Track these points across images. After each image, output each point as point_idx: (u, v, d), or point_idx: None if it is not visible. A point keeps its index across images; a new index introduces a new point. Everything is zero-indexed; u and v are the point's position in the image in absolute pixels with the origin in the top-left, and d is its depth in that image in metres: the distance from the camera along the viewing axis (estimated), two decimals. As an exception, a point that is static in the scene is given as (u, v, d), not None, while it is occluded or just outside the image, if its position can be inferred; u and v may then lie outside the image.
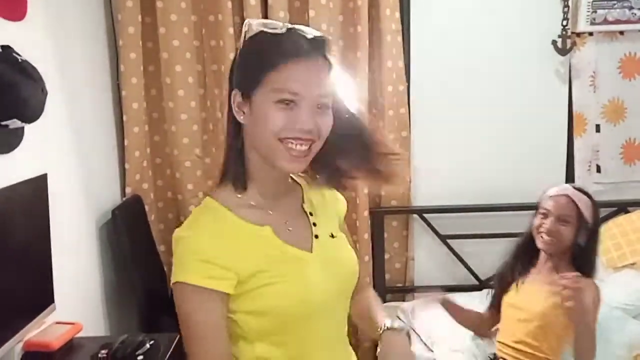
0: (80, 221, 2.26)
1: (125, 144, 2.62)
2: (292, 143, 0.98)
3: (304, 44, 0.99)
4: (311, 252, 1.06)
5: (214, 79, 2.70)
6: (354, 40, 2.66)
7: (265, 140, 0.99)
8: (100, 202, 2.44)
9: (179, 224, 2.75)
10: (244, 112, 1.01)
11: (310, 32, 1.01)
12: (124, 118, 2.61)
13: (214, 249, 0.97)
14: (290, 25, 1.02)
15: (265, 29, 1.01)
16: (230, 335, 1.00)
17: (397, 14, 2.66)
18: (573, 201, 1.86)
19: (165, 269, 2.78)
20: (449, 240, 2.87)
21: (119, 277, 2.52)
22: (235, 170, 1.05)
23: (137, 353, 1.64)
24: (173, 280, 0.97)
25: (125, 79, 2.57)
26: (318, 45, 1.01)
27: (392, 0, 2.63)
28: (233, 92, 1.03)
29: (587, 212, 1.86)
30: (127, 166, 2.63)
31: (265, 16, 2.61)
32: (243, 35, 1.05)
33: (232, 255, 0.97)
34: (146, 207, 2.68)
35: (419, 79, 2.78)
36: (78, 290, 2.19)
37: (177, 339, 1.77)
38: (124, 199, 2.64)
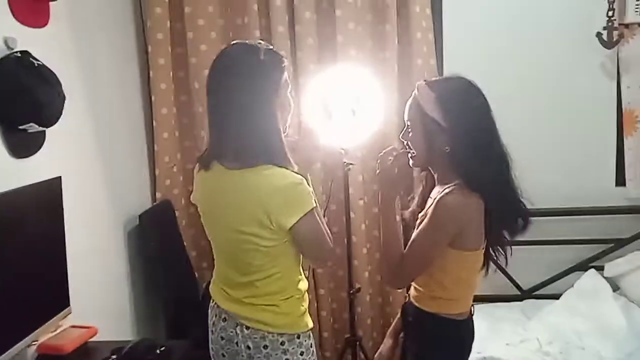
0: (106, 225, 2.29)
1: (155, 149, 2.64)
2: None
3: None
4: None
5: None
6: (382, 39, 2.58)
7: None
8: (129, 207, 2.46)
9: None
10: None
11: None
12: (154, 124, 2.63)
13: None
14: None
15: None
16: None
17: (428, 11, 2.55)
18: (415, 99, 1.47)
19: (196, 274, 2.77)
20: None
21: (148, 282, 2.52)
22: None
23: (145, 358, 1.62)
24: (309, 208, 1.48)
25: (155, 84, 2.59)
26: None
27: (422, -3, 2.53)
28: None
29: (434, 110, 1.42)
30: (157, 172, 2.65)
31: (292, 17, 2.57)
32: None
33: None
34: (177, 213, 2.69)
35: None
36: (102, 294, 2.21)
37: (187, 346, 1.75)
38: (153, 204, 2.66)
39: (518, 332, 2.29)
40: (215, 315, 1.67)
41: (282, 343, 1.56)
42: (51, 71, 1.75)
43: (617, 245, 2.61)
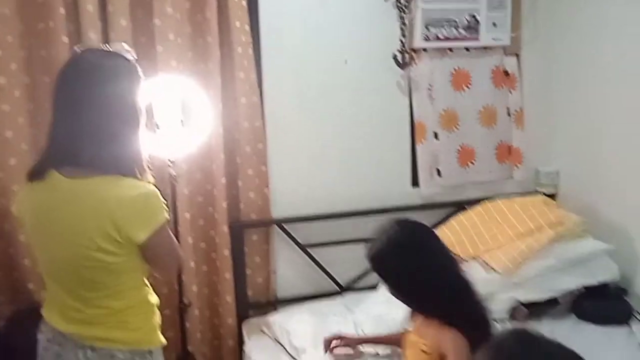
0: None
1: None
2: None
3: None
4: None
5: (44, 92, 2.43)
6: (204, 51, 2.59)
7: None
8: None
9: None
10: None
11: None
12: None
13: None
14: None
15: None
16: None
17: (247, 27, 2.63)
18: None
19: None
20: (309, 249, 2.90)
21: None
22: None
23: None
24: (162, 221, 1.45)
25: None
26: None
27: (240, 12, 2.59)
28: None
29: None
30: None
31: (105, 25, 2.42)
32: None
33: None
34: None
35: (272, 92, 2.78)
36: None
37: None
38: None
39: (343, 325, 2.48)
40: (48, 340, 1.55)
41: None
42: None
43: (416, 238, 3.00)
